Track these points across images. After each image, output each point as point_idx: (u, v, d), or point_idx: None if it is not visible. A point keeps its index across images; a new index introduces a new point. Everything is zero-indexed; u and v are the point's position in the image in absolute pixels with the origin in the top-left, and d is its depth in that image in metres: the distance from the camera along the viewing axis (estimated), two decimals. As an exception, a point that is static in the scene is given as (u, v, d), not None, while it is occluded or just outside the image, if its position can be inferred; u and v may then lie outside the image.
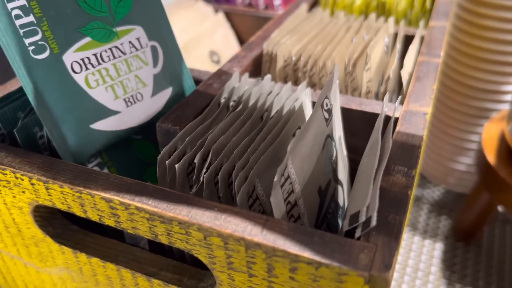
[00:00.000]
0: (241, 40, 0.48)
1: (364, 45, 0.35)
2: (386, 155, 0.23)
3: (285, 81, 0.35)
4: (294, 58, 0.34)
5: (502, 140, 0.53)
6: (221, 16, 0.46)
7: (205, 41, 0.43)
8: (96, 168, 0.29)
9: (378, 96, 0.36)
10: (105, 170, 0.30)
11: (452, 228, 0.63)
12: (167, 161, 0.24)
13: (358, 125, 0.31)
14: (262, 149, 0.25)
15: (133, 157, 0.31)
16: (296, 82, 0.35)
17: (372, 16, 0.39)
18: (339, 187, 0.29)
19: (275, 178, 0.20)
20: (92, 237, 0.28)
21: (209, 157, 0.24)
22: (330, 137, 0.27)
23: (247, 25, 0.47)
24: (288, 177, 0.23)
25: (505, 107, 0.61)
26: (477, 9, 0.56)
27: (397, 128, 0.27)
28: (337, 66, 0.28)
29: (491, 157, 0.51)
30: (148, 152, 0.32)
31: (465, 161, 0.67)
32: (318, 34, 0.37)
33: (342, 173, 0.30)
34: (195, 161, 0.23)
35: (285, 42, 0.35)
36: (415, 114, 0.28)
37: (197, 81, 0.35)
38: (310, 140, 0.24)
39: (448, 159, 0.68)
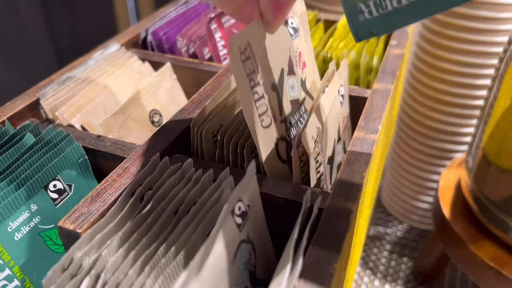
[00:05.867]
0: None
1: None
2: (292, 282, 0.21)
3: (214, 158, 0.33)
4: (220, 137, 0.32)
5: (458, 190, 0.51)
6: (168, 67, 0.43)
7: (146, 99, 0.40)
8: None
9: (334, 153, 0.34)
10: (6, 273, 0.27)
11: (413, 272, 0.62)
12: (51, 288, 0.21)
13: (285, 212, 0.29)
14: (168, 260, 0.23)
15: (44, 250, 0.29)
16: (224, 160, 0.33)
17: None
18: (261, 288, 0.27)
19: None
20: None
21: (100, 281, 0.22)
22: (245, 241, 0.25)
23: (189, 77, 0.45)
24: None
25: (465, 148, 0.60)
26: (435, 51, 0.55)
27: (316, 232, 0.25)
28: (252, 162, 0.26)
29: (446, 209, 0.50)
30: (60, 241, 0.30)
31: (428, 200, 0.66)
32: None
33: (264, 271, 0.27)
34: (81, 290, 0.21)
35: (214, 116, 0.33)
36: (339, 212, 0.26)
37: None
38: (211, 263, 0.22)
39: (411, 197, 0.67)
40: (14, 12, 1.33)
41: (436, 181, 0.63)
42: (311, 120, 0.29)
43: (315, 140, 0.30)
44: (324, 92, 0.32)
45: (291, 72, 0.32)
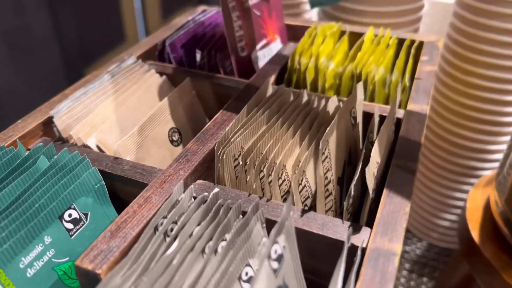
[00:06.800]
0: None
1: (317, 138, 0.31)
2: None
3: (236, 183, 0.31)
4: (241, 161, 0.30)
5: (487, 211, 0.49)
6: (188, 82, 0.41)
7: (164, 117, 0.38)
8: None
9: (344, 176, 0.32)
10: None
11: (435, 293, 0.59)
12: None
13: (320, 248, 0.27)
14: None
15: (58, 286, 0.27)
16: (246, 185, 0.30)
17: (334, 98, 0.35)
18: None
19: None
20: None
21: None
22: (280, 287, 0.23)
23: (209, 92, 0.43)
24: None
25: (491, 165, 0.57)
26: (463, 65, 0.52)
27: (362, 277, 0.22)
28: (289, 199, 0.23)
29: (475, 233, 0.47)
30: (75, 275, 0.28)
31: (449, 218, 0.63)
32: (275, 124, 0.32)
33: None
34: None
35: (235, 139, 0.30)
36: (383, 255, 0.23)
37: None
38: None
39: (432, 215, 0.64)
40: (20, 12, 1.31)
41: (459, 199, 0.61)
42: (372, 157, 0.28)
43: (375, 177, 0.28)
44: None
45: (350, 163, 0.33)
